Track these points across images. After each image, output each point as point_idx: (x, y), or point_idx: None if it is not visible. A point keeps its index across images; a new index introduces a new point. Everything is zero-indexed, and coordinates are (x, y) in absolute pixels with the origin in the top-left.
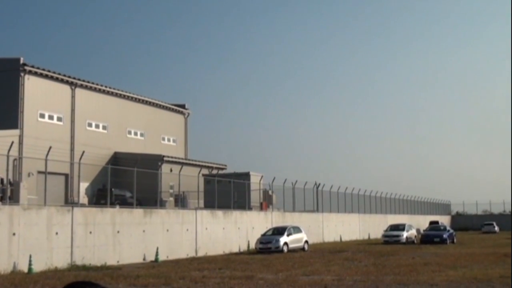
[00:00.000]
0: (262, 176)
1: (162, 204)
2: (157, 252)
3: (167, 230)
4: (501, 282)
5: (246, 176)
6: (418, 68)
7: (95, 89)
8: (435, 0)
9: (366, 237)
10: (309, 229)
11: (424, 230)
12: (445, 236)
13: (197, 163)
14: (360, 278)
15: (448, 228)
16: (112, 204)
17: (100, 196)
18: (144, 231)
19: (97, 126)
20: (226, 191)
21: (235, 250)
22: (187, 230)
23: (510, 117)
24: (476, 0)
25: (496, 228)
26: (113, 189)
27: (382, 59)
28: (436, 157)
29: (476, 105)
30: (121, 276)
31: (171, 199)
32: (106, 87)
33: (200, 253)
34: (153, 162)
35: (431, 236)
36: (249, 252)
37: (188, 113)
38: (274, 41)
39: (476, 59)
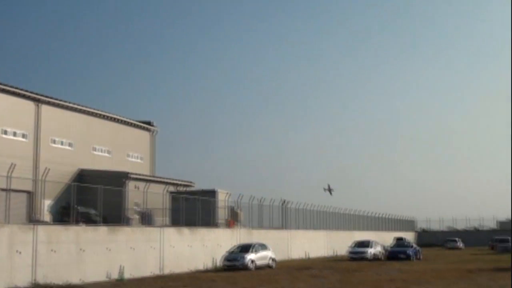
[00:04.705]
0: (229, 194)
1: (127, 222)
2: (121, 270)
3: (132, 248)
4: None
5: (212, 193)
6: (389, 86)
7: (60, 106)
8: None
9: (332, 253)
10: (276, 246)
11: (389, 247)
12: (410, 252)
13: (164, 180)
14: None
15: (413, 244)
16: (77, 222)
17: (64, 213)
18: (108, 249)
19: (62, 143)
20: (193, 208)
21: (201, 267)
22: (153, 247)
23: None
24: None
25: (461, 244)
26: (78, 207)
27: (359, 76)
28: (401, 174)
29: (438, 122)
30: None
31: (137, 216)
32: (71, 103)
33: (166, 271)
34: (118, 179)
35: (396, 253)
36: (215, 270)
37: (155, 130)
38: (240, 59)
39: (445, 75)
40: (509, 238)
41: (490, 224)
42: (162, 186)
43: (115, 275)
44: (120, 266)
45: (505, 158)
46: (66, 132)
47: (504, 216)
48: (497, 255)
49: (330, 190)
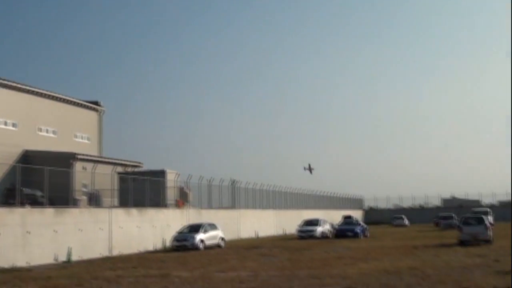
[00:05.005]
0: (178, 174)
1: (74, 203)
2: (69, 252)
3: (80, 230)
4: (410, 273)
5: (161, 173)
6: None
7: (3, 85)
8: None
9: (281, 232)
10: (226, 226)
11: (337, 225)
12: (357, 230)
13: (112, 160)
14: (275, 273)
15: (360, 222)
16: (22, 204)
17: (9, 195)
18: (55, 231)
19: (5, 123)
20: (141, 189)
21: (151, 248)
22: (101, 229)
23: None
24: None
25: (407, 222)
26: (23, 188)
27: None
28: (349, 153)
29: (384, 100)
30: (31, 278)
31: (84, 197)
32: (15, 83)
33: (115, 253)
34: (65, 160)
35: (344, 231)
36: (164, 250)
37: (103, 110)
38: (186, 38)
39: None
40: (453, 215)
41: (435, 201)
42: (110, 166)
43: (63, 257)
44: (68, 248)
45: (450, 136)
46: (9, 112)
47: (447, 194)
48: (441, 232)
49: (310, 169)
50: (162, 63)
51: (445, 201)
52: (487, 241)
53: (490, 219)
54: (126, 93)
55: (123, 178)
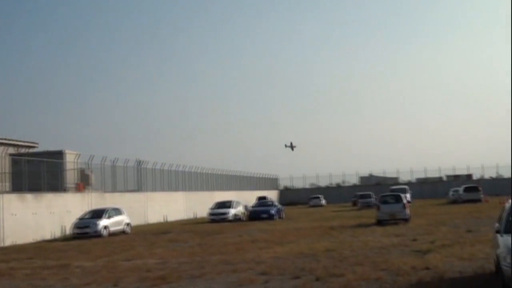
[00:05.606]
0: (78, 155)
1: None
2: None
3: None
4: (327, 255)
5: (59, 154)
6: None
7: None
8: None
9: (192, 216)
10: (132, 210)
11: (251, 207)
12: (272, 211)
13: (2, 141)
14: (185, 260)
15: (275, 203)
16: None
17: None
18: None
19: None
20: (37, 172)
21: (49, 237)
22: None
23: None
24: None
25: (324, 202)
26: None
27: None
28: (262, 129)
29: (298, 80)
30: None
31: None
32: None
33: (7, 242)
34: None
35: (259, 212)
36: (64, 239)
37: None
38: (83, 3)
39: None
40: (371, 193)
41: (352, 179)
42: (1, 148)
43: None
44: None
45: (367, 113)
46: None
47: (366, 171)
48: (359, 211)
49: (292, 147)
50: (58, 31)
51: (363, 179)
52: (405, 220)
53: (408, 196)
54: (17, 65)
55: (16, 160)
